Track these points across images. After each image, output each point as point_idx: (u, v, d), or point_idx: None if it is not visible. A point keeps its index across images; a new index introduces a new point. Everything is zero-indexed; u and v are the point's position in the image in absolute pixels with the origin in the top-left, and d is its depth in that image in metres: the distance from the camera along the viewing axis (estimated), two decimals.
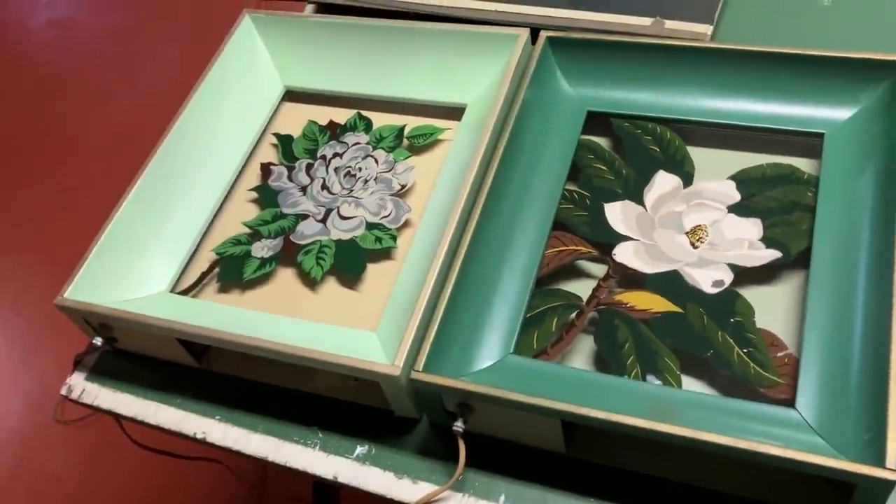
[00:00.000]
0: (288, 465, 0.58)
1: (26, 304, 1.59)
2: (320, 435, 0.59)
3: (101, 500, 1.29)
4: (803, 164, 0.62)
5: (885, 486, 0.44)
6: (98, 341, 0.63)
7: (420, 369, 0.53)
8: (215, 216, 0.71)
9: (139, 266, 0.66)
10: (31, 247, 1.68)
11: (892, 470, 0.43)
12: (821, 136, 0.61)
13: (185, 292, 0.66)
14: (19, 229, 1.72)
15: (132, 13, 2.14)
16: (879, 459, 0.44)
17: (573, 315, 0.58)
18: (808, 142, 0.62)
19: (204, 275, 0.67)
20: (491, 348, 0.56)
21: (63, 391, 0.65)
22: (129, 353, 0.67)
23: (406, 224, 0.66)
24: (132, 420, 0.63)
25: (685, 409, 0.50)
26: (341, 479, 0.57)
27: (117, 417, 0.65)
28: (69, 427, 1.37)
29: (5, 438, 1.39)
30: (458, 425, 0.53)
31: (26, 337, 1.54)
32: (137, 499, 1.27)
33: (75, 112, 1.93)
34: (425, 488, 0.55)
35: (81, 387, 0.66)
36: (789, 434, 0.48)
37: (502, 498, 0.54)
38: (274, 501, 1.21)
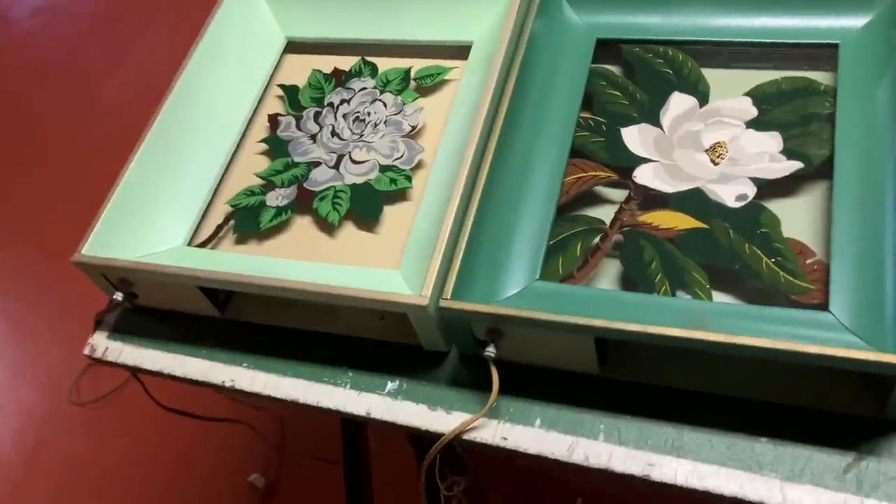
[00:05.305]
0: (319, 405, 0.58)
1: (28, 293, 1.58)
2: (350, 374, 0.59)
3: (122, 476, 1.29)
4: (818, 76, 0.61)
5: None
6: (119, 296, 0.62)
7: (448, 298, 0.53)
8: (226, 170, 0.70)
9: (153, 222, 0.65)
10: (29, 237, 1.67)
11: None
12: (835, 46, 0.60)
13: (202, 245, 0.65)
14: (16, 220, 1.71)
15: None
16: None
17: (597, 239, 0.57)
18: (823, 53, 0.61)
19: (220, 227, 0.66)
20: (516, 276, 0.56)
21: (86, 351, 0.65)
22: (149, 309, 0.66)
23: (419, 165, 0.66)
24: (158, 374, 0.63)
25: (719, 319, 0.50)
26: (374, 415, 0.56)
27: (140, 374, 0.64)
28: (85, 409, 1.36)
29: (23, 425, 1.39)
30: (490, 351, 0.53)
31: (31, 324, 1.53)
32: (158, 471, 1.27)
33: (65, 99, 1.91)
34: (460, 417, 0.55)
35: (104, 345, 0.65)
36: (826, 335, 0.48)
37: (538, 422, 0.54)
38: (297, 462, 1.21)
